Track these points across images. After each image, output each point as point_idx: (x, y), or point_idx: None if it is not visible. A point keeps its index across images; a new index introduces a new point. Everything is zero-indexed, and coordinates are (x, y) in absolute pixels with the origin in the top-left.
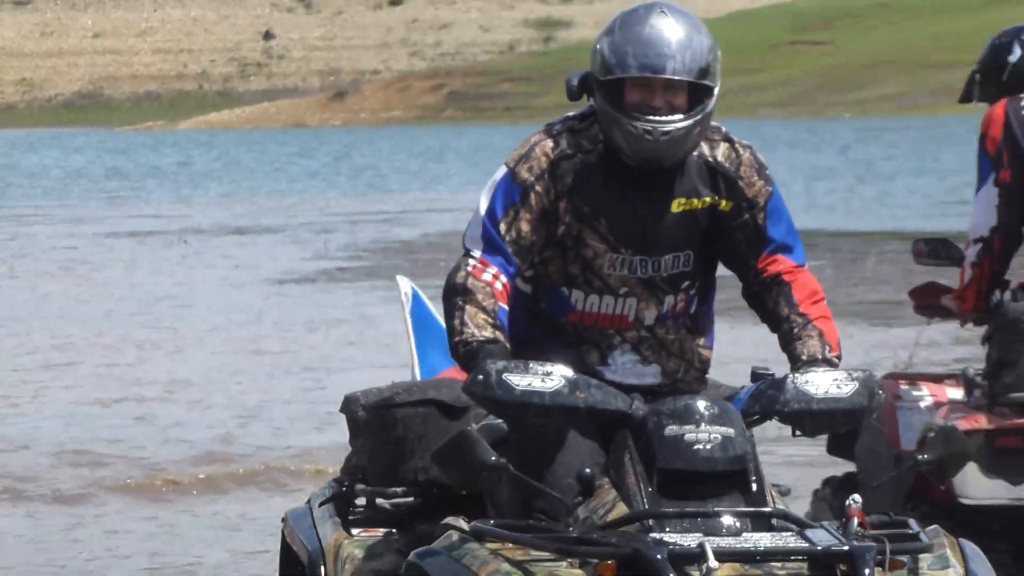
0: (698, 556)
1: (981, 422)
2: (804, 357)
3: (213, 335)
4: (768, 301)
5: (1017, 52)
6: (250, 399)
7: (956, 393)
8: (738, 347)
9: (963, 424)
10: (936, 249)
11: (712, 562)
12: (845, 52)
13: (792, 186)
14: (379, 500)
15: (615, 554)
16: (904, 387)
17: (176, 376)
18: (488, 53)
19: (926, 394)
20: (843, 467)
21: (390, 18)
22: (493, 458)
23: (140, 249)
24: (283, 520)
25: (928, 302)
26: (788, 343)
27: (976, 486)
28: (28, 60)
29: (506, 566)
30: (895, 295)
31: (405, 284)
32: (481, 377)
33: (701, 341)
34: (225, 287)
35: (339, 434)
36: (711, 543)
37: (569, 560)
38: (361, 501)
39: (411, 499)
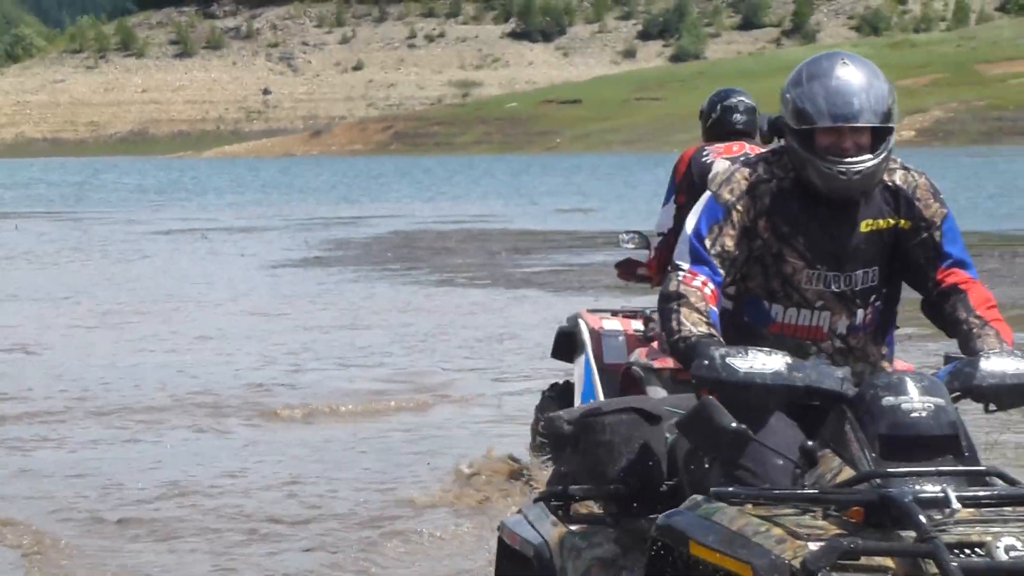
0: (942, 500)
1: (668, 363)
2: (985, 349)
3: (229, 303)
4: (946, 308)
5: (716, 113)
6: (267, 348)
7: (639, 326)
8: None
9: (656, 364)
10: (637, 238)
11: (955, 504)
12: (673, 105)
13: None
14: (589, 500)
15: (862, 501)
16: (606, 320)
17: (205, 331)
18: (423, 104)
19: (619, 328)
20: None
21: (353, 79)
22: (734, 424)
23: (174, 242)
24: (499, 528)
25: (628, 272)
26: (967, 342)
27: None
28: (95, 108)
29: (755, 519)
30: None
31: (588, 324)
32: (706, 361)
33: (883, 346)
34: (235, 269)
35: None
36: (951, 489)
37: (812, 512)
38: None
39: (619, 497)
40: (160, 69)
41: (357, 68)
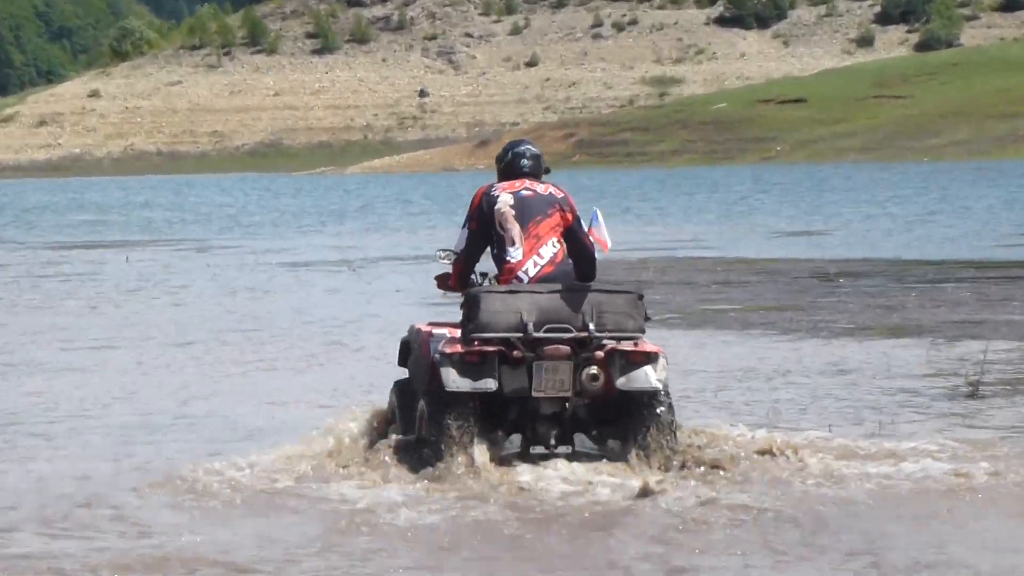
0: None
1: (458, 348)
2: None
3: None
4: None
5: (508, 157)
6: None
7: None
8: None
9: (449, 349)
10: (453, 255)
11: None
12: (920, 104)
13: (896, 220)
14: None
15: None
16: (435, 329)
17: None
18: (611, 107)
19: (447, 333)
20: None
21: (526, 78)
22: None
23: (316, 276)
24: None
25: (442, 283)
26: None
27: (456, 381)
28: (219, 115)
29: None
30: (970, 315)
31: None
32: None
33: None
34: (385, 307)
35: None
36: None
37: None
38: None
39: None
40: (295, 68)
41: (531, 64)
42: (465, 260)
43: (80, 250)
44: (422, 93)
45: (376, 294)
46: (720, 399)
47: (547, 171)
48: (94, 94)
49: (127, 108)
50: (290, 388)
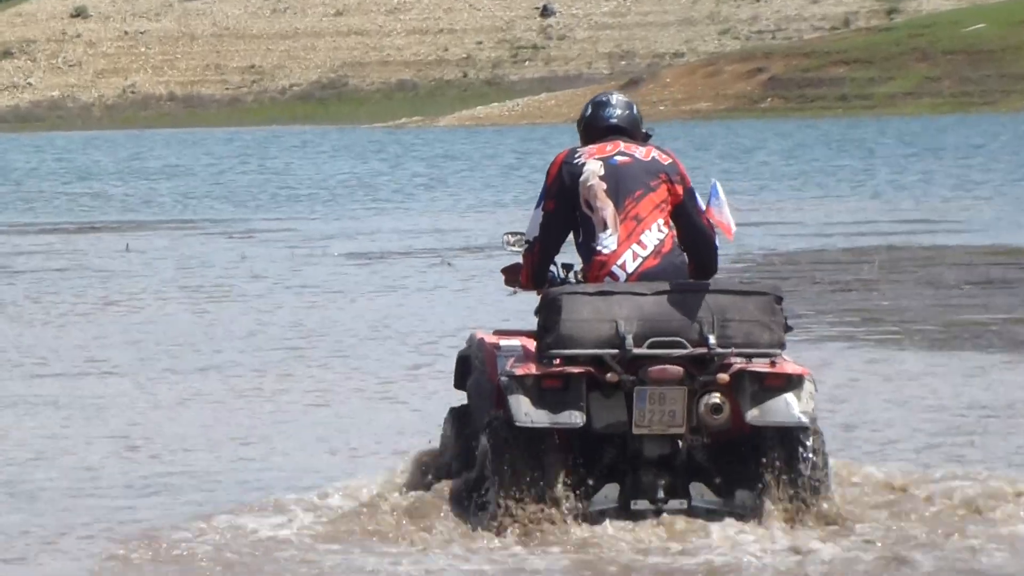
0: None
1: (532, 369)
2: None
3: None
4: None
5: (587, 112)
6: None
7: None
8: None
9: (520, 371)
10: (519, 239)
11: None
12: None
13: None
14: None
15: None
16: (503, 340)
17: None
18: (817, 30)
19: (518, 344)
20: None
21: None
22: None
23: (399, 270)
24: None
25: (511, 277)
26: None
27: (529, 414)
28: (257, 43)
29: None
30: None
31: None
32: None
33: None
34: (494, 316)
35: None
36: None
37: None
38: None
39: None
40: None
41: None
42: (540, 252)
43: (61, 234)
44: (545, 11)
45: (480, 297)
46: (981, 445)
47: (647, 136)
48: (79, 13)
49: (125, 33)
50: (358, 427)
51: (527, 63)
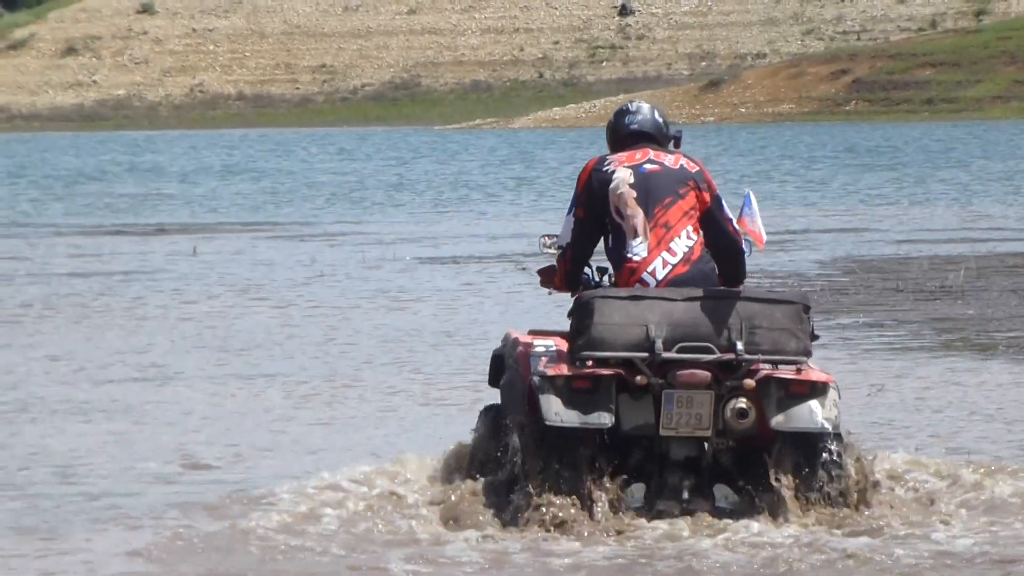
0: None
1: (563, 369)
2: None
3: None
4: None
5: (613, 120)
6: None
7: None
8: None
9: (551, 371)
10: (555, 241)
11: None
12: None
13: None
14: None
15: None
16: (538, 341)
17: None
18: (903, 31)
19: (551, 344)
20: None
21: None
22: None
23: (471, 276)
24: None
25: (547, 279)
26: None
27: (560, 414)
28: (328, 42)
29: None
30: None
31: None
32: None
33: None
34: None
35: None
36: None
37: None
38: None
39: None
40: None
41: None
42: (572, 257)
43: (126, 237)
44: (624, 10)
45: (559, 303)
46: None
47: (676, 141)
48: (146, 9)
49: (193, 31)
50: (412, 436)
51: (605, 63)
